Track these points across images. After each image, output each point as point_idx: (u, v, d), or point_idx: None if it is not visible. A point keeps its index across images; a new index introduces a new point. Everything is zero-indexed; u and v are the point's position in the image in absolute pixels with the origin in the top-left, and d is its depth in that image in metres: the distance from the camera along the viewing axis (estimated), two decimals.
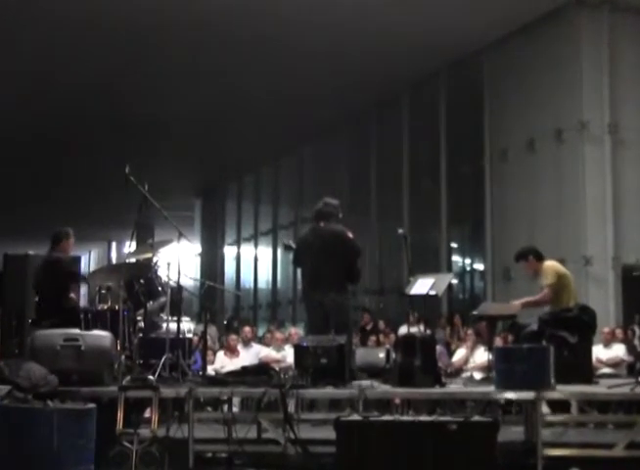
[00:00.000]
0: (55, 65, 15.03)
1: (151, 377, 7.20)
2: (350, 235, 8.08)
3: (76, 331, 7.29)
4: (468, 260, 16.54)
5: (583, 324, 8.08)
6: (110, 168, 13.76)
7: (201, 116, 17.88)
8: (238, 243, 25.67)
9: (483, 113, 14.99)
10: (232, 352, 12.56)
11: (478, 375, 10.80)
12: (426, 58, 14.81)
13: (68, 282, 8.42)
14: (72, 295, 8.61)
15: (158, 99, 16.80)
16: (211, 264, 26.89)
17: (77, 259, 11.15)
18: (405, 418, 6.48)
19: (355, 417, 6.27)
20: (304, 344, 7.39)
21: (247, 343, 12.81)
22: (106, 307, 8.08)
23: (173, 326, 7.86)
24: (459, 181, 15.75)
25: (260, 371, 7.75)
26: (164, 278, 8.23)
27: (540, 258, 8.55)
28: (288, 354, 11.66)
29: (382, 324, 14.62)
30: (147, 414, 7.50)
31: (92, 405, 5.77)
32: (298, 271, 8.73)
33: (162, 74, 15.60)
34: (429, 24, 13.44)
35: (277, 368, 8.90)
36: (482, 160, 14.93)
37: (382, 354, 8.33)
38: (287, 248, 8.58)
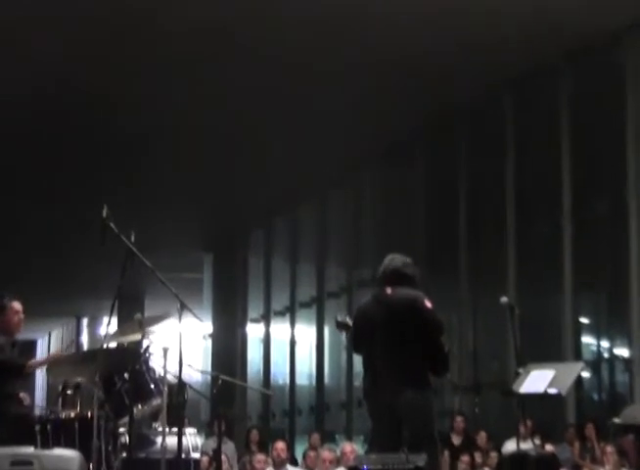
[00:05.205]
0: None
1: None
2: (429, 304, 8.06)
3: (29, 450, 7.32)
4: (605, 343, 16.39)
5: None
6: (79, 213, 13.99)
7: (211, 135, 18.00)
8: (266, 318, 25.74)
9: (625, 118, 14.87)
10: None
11: None
12: (538, 40, 14.80)
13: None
14: (23, 395, 8.68)
15: (150, 117, 17.08)
16: (228, 350, 27.00)
17: (28, 344, 11.31)
18: None
19: None
20: (365, 467, 7.36)
21: (280, 465, 12.83)
22: (73, 415, 8.13)
23: (172, 441, 7.88)
24: (590, 224, 15.66)
25: None
26: (159, 371, 8.25)
27: None
28: None
29: (479, 437, 14.52)
30: None
31: None
32: (356, 359, 8.72)
33: (159, 87, 15.97)
34: None
35: None
36: (625, 191, 14.82)
37: None
38: (341, 326, 8.57)
